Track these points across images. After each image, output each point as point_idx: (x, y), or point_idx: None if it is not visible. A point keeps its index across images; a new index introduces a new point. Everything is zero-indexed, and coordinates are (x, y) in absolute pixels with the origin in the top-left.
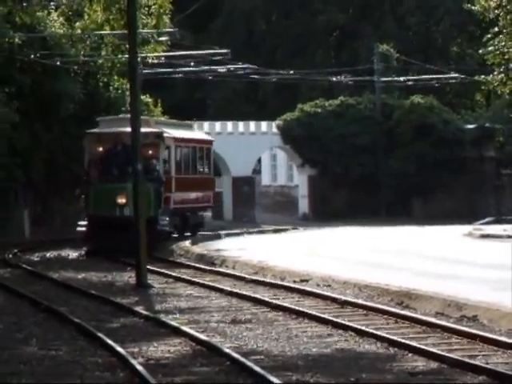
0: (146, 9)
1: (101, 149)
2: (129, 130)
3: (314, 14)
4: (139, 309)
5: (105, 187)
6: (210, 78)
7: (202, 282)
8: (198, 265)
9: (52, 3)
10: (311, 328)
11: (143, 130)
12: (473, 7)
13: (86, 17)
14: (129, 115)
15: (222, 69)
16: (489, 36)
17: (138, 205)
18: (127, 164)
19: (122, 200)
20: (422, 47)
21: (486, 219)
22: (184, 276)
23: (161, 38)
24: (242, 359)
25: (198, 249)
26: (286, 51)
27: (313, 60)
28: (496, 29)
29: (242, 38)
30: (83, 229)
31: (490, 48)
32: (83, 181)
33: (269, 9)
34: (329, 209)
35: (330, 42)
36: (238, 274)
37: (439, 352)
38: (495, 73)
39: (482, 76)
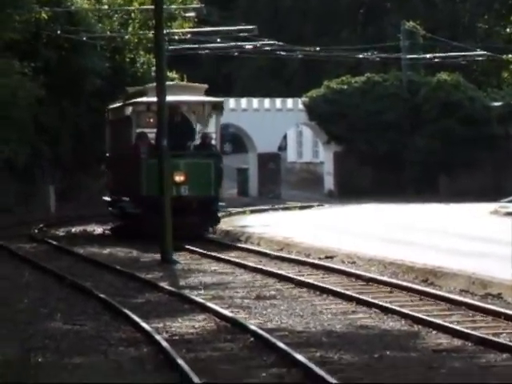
0: None
1: (152, 120)
2: (185, 98)
3: None
4: (164, 284)
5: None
6: (236, 54)
7: (226, 258)
8: (223, 241)
9: None
10: (335, 305)
11: (198, 98)
12: None
13: None
14: (182, 83)
15: (248, 45)
16: None
17: (164, 182)
18: (185, 137)
19: (180, 178)
20: (449, 24)
21: None
22: (209, 252)
23: (188, 14)
24: (266, 335)
25: (224, 225)
26: (313, 28)
27: (339, 37)
28: None
29: (268, 14)
30: (135, 210)
31: None
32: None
33: None
34: (354, 186)
35: (356, 19)
36: (263, 250)
37: (463, 329)
38: None
39: (510, 55)
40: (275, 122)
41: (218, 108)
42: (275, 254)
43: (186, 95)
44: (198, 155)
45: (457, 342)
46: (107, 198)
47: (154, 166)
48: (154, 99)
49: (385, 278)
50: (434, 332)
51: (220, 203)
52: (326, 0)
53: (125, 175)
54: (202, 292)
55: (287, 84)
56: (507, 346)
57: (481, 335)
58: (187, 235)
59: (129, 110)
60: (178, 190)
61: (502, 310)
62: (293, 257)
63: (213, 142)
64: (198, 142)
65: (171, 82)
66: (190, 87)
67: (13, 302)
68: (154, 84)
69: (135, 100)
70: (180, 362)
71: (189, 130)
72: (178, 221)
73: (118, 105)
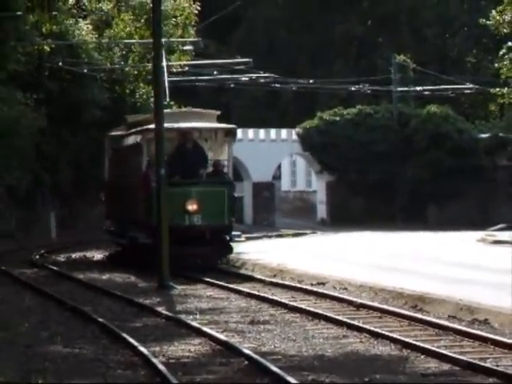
0: (173, 20)
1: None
2: (197, 124)
3: (333, 24)
4: (161, 309)
5: (171, 192)
6: (232, 86)
7: (222, 283)
8: (218, 267)
9: (82, 13)
10: (327, 329)
11: (210, 125)
12: (487, 22)
13: (115, 26)
14: (194, 109)
15: (244, 77)
16: (504, 51)
17: (161, 210)
18: (197, 165)
19: (192, 206)
20: (439, 58)
21: (499, 226)
22: (205, 278)
23: (186, 47)
24: (260, 359)
25: None
26: (306, 61)
27: (332, 69)
28: (510, 43)
29: (264, 47)
30: (147, 241)
31: (505, 62)
32: (104, 183)
33: (289, 19)
34: (346, 214)
35: (348, 52)
36: (257, 276)
37: (451, 354)
38: None
39: (498, 88)
40: (270, 152)
41: (230, 135)
42: (269, 280)
43: (198, 121)
44: (210, 183)
45: (445, 367)
46: (110, 228)
47: (168, 194)
48: (167, 125)
49: (375, 304)
50: (423, 356)
51: (234, 233)
52: (319, 34)
53: (133, 204)
54: (198, 317)
55: (282, 115)
56: (494, 371)
57: (468, 360)
58: (200, 266)
59: (138, 138)
60: (191, 219)
61: (489, 335)
62: (286, 283)
63: (225, 169)
64: (210, 169)
65: (184, 109)
66: (202, 113)
67: (14, 326)
68: (168, 110)
69: (146, 127)
70: None
71: (201, 157)
72: (190, 251)
73: (123, 132)
